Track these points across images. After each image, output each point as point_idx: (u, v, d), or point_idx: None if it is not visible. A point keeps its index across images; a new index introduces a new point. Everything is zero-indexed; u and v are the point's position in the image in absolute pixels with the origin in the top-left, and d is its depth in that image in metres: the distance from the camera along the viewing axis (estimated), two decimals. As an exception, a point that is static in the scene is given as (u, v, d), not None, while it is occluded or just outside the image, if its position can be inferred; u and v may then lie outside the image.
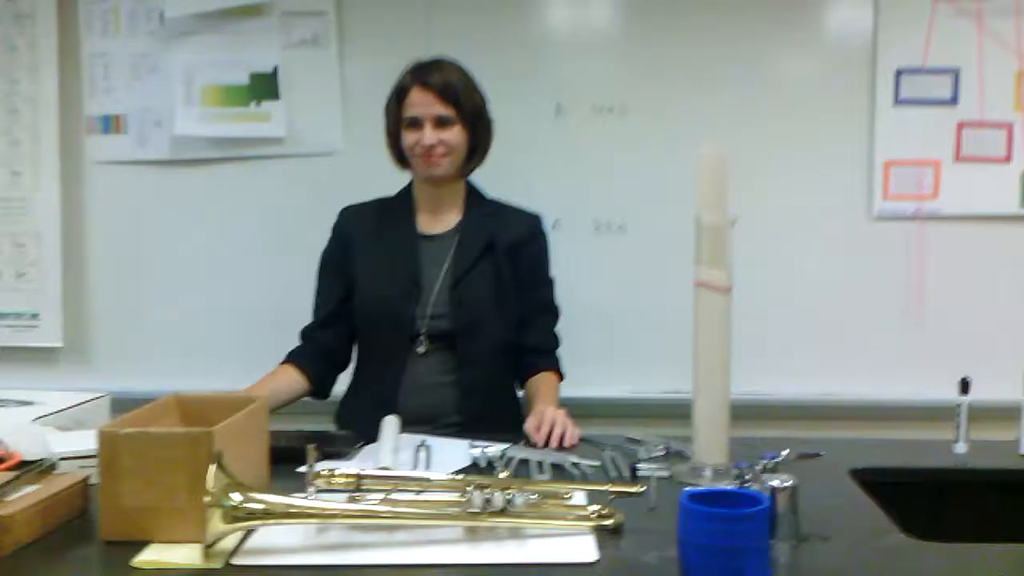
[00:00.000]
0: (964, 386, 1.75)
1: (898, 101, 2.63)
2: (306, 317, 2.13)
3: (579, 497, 1.40)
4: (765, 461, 1.35)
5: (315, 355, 2.08)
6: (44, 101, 2.70)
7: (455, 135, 2.00)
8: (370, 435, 1.75)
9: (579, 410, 1.90)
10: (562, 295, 2.18)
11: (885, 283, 2.63)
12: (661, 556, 1.21)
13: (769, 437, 1.73)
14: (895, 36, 2.61)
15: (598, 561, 1.20)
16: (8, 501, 1.28)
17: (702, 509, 1.14)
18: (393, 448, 1.64)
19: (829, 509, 1.38)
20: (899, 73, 2.62)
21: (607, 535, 1.29)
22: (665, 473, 1.54)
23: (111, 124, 2.71)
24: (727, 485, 1.40)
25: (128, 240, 2.72)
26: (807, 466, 1.43)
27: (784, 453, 1.39)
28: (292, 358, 2.07)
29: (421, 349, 2.01)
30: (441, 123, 1.98)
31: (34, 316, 2.73)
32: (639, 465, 1.58)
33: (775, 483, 1.27)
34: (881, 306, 2.63)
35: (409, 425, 1.83)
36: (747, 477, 1.32)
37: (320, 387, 2.08)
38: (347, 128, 2.66)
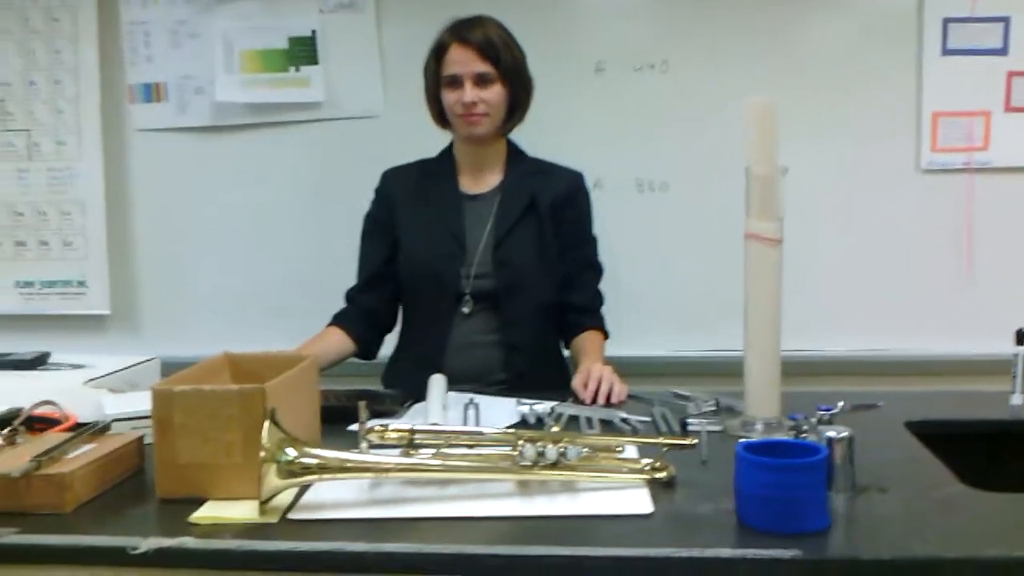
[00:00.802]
0: (1020, 337, 1.71)
1: (946, 51, 2.56)
2: (350, 280, 2.13)
3: (631, 451, 1.39)
4: (820, 413, 1.33)
5: (360, 317, 2.08)
6: (85, 71, 2.72)
7: (495, 93, 1.98)
8: (417, 394, 1.76)
9: (623, 369, 1.89)
10: (604, 255, 2.16)
11: (935, 236, 2.58)
12: (716, 508, 1.20)
13: (821, 392, 1.71)
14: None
15: (653, 513, 1.20)
16: (66, 460, 1.29)
17: (759, 459, 1.13)
18: (442, 406, 1.64)
19: (886, 461, 1.36)
20: (946, 22, 2.55)
21: (660, 488, 1.28)
22: (716, 427, 1.53)
23: (152, 92, 2.72)
24: (782, 437, 1.38)
25: (171, 207, 2.75)
26: (862, 418, 1.40)
27: (839, 405, 1.37)
28: (338, 320, 2.08)
29: (466, 309, 2.01)
30: (481, 80, 1.96)
31: (81, 283, 2.76)
32: (689, 420, 1.56)
33: (831, 434, 1.25)
34: (932, 259, 2.58)
35: (455, 384, 1.83)
36: (803, 428, 1.30)
37: (366, 348, 2.09)
38: (387, 91, 2.65)
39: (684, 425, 1.56)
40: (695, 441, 1.38)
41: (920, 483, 1.30)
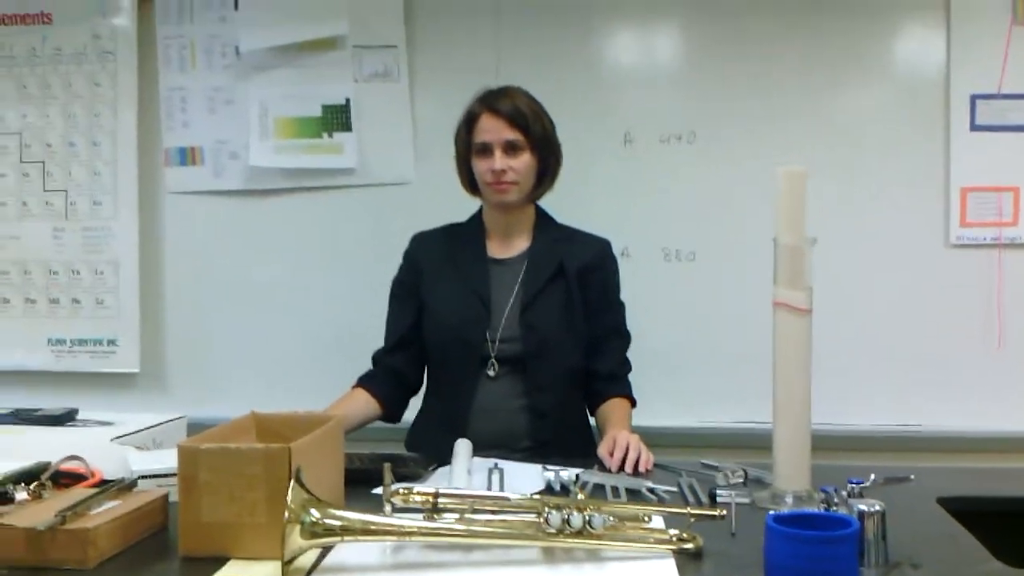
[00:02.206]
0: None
1: (974, 127, 2.58)
2: (378, 343, 2.14)
3: (658, 521, 1.37)
4: (851, 486, 1.31)
5: (386, 379, 2.08)
6: (123, 134, 2.79)
7: (524, 162, 2.00)
8: (441, 459, 1.74)
9: (649, 438, 1.87)
10: (631, 323, 2.16)
11: (964, 311, 2.57)
12: (745, 580, 1.18)
13: (851, 466, 1.68)
14: (969, 62, 2.57)
15: (680, 584, 1.18)
16: (91, 515, 1.29)
17: (791, 531, 1.11)
18: (467, 470, 1.63)
19: (919, 536, 1.33)
20: (974, 99, 2.58)
21: (688, 559, 1.26)
22: (745, 499, 1.50)
23: (187, 156, 2.78)
24: (813, 509, 1.36)
25: (203, 268, 2.78)
26: (893, 493, 1.38)
27: (871, 478, 1.35)
28: (364, 382, 2.08)
29: (491, 373, 2.01)
30: (511, 148, 1.99)
31: (112, 342, 2.79)
32: (718, 491, 1.54)
33: (863, 507, 1.23)
34: (961, 335, 2.57)
35: (480, 449, 1.82)
36: (834, 501, 1.28)
37: (391, 411, 2.08)
38: (418, 159, 2.69)
39: (712, 496, 1.54)
40: (723, 512, 1.36)
41: (955, 559, 1.27)
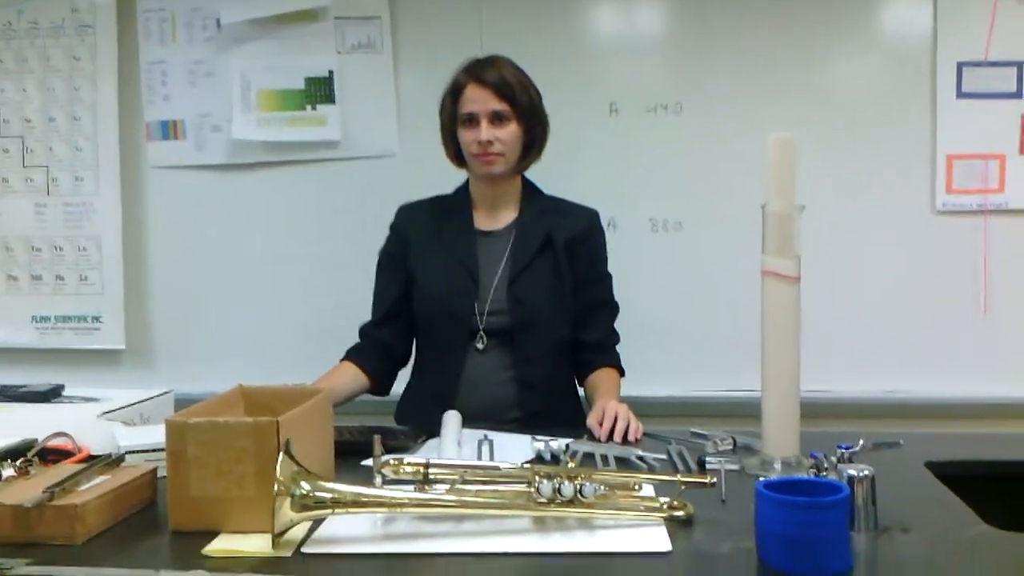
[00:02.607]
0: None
1: (960, 94, 2.58)
2: (364, 316, 2.13)
3: (648, 489, 1.37)
4: (841, 451, 1.32)
5: (374, 352, 2.08)
6: (104, 108, 2.76)
7: (510, 132, 1.98)
8: (430, 431, 1.74)
9: (638, 408, 1.87)
10: (619, 294, 2.15)
11: (951, 278, 2.58)
12: (736, 547, 1.18)
13: (839, 432, 1.69)
14: (955, 29, 2.56)
15: (672, 551, 1.18)
16: (79, 491, 1.29)
17: (781, 497, 1.11)
18: (456, 441, 1.63)
19: (908, 501, 1.34)
20: (961, 66, 2.57)
21: (679, 526, 1.26)
22: (734, 466, 1.51)
23: (169, 129, 2.75)
24: (802, 475, 1.36)
25: (187, 243, 2.77)
26: (882, 458, 1.39)
27: (860, 443, 1.35)
28: (351, 355, 2.07)
29: (480, 345, 2.00)
30: (497, 119, 1.97)
31: (96, 319, 2.77)
32: (707, 458, 1.55)
33: (852, 472, 1.24)
34: (947, 301, 2.58)
35: (469, 421, 1.81)
36: (823, 467, 1.28)
37: (379, 384, 2.08)
38: (402, 131, 2.68)
39: (701, 464, 1.54)
40: (713, 479, 1.36)
41: (943, 524, 1.28)
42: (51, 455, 1.51)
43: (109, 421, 1.68)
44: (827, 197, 2.50)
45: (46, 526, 1.22)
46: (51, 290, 2.80)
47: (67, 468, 1.39)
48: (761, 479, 1.17)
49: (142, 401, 1.80)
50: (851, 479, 1.23)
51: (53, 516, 1.22)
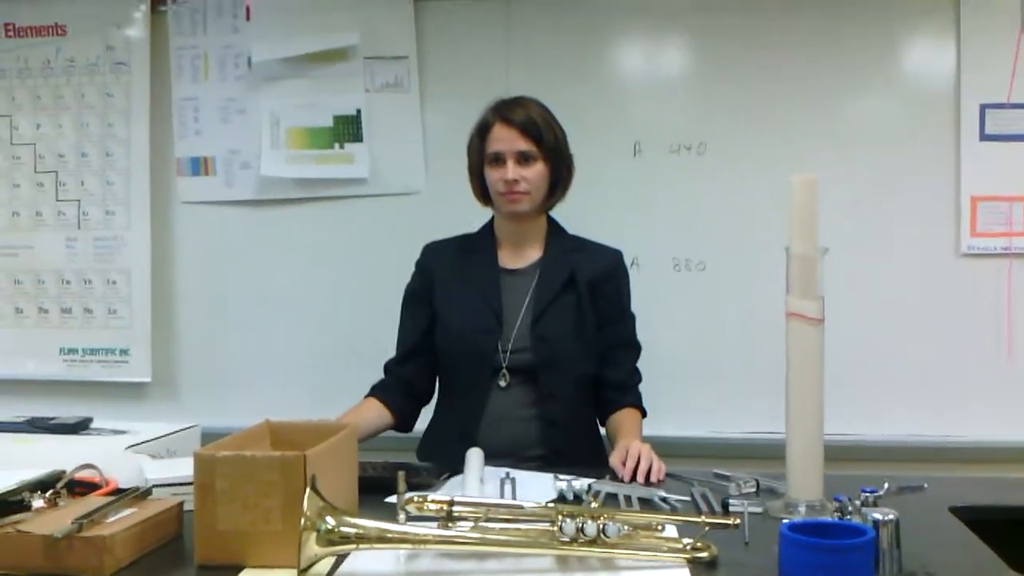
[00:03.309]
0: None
1: (984, 136, 2.58)
2: (389, 352, 2.14)
3: (671, 530, 1.37)
4: (865, 495, 1.31)
5: (398, 388, 2.09)
6: (136, 144, 2.81)
7: (536, 171, 2.01)
8: (453, 468, 1.75)
9: (661, 448, 1.87)
10: (642, 334, 2.16)
11: (975, 321, 2.57)
12: (759, 589, 1.18)
13: (863, 475, 1.68)
14: (978, 71, 2.58)
15: (694, 593, 1.18)
16: (107, 523, 1.30)
17: (806, 540, 1.11)
18: (479, 479, 1.63)
19: (932, 545, 1.33)
20: (984, 108, 2.58)
21: (702, 568, 1.26)
22: (758, 509, 1.50)
23: (200, 166, 2.80)
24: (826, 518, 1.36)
25: (215, 278, 2.80)
26: (906, 502, 1.38)
27: (885, 487, 1.35)
28: (376, 392, 2.09)
29: (503, 383, 2.01)
30: (523, 158, 2.00)
31: (124, 352, 2.81)
32: (730, 500, 1.54)
33: (877, 516, 1.23)
34: (971, 344, 2.57)
35: (491, 459, 1.82)
36: (848, 510, 1.28)
37: (403, 420, 2.09)
38: (429, 169, 2.71)
39: (725, 506, 1.53)
40: (737, 521, 1.36)
41: (968, 569, 1.27)
42: (79, 487, 1.52)
43: (136, 454, 1.69)
44: (851, 239, 2.51)
45: (75, 557, 1.23)
46: (80, 323, 2.84)
47: (95, 500, 1.41)
48: (785, 521, 1.17)
49: (169, 434, 1.82)
50: (876, 522, 1.22)
51: (82, 547, 1.23)
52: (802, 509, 1.47)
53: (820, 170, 2.49)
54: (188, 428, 1.88)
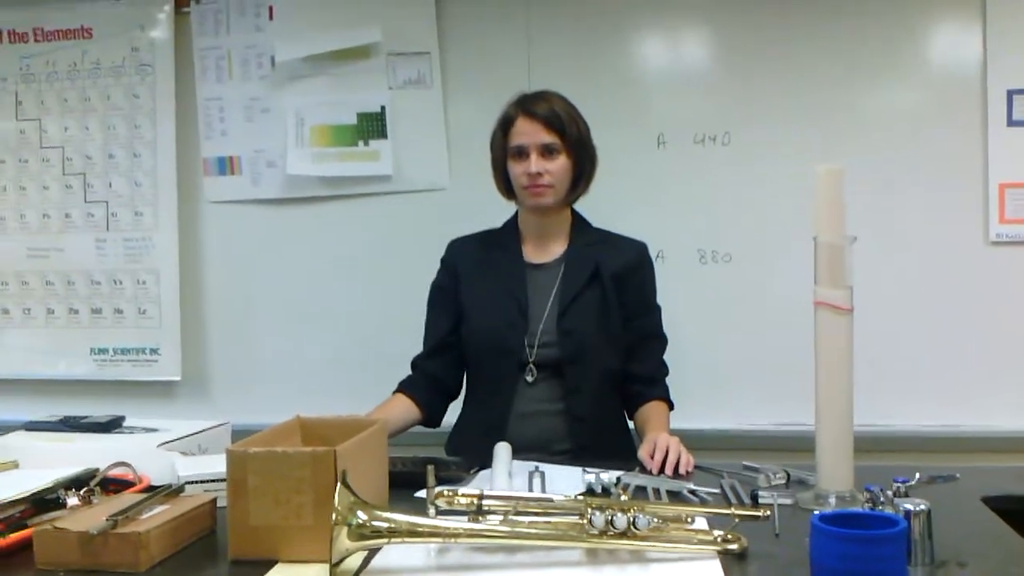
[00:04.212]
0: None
1: (1011, 122, 2.55)
2: (416, 348, 2.15)
3: (701, 522, 1.37)
4: (897, 485, 1.30)
5: (426, 384, 2.10)
6: (162, 145, 2.83)
7: (560, 165, 2.01)
8: (482, 462, 1.75)
9: (689, 441, 1.86)
10: (668, 326, 2.15)
11: (1005, 309, 2.54)
12: (791, 581, 1.18)
13: (893, 466, 1.67)
14: (1005, 56, 2.55)
15: (726, 585, 1.18)
16: (141, 520, 1.31)
17: (838, 531, 1.10)
18: (508, 473, 1.64)
19: (964, 535, 1.33)
20: (1011, 94, 2.55)
21: (733, 560, 1.26)
22: (788, 500, 1.50)
23: (226, 165, 2.82)
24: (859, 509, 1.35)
25: (243, 276, 2.82)
26: (938, 492, 1.37)
27: (916, 477, 1.34)
28: (403, 388, 2.10)
29: (530, 378, 2.02)
30: (547, 152, 2.00)
31: (154, 351, 2.83)
32: (760, 492, 1.54)
33: (909, 506, 1.22)
34: (1002, 332, 2.54)
35: (519, 453, 1.82)
36: (879, 500, 1.27)
37: (431, 415, 2.10)
38: (453, 164, 2.71)
39: (754, 497, 1.53)
40: (768, 512, 1.35)
41: (1001, 558, 1.26)
42: (112, 484, 1.55)
43: (168, 451, 1.71)
44: (878, 227, 2.49)
45: (110, 553, 1.25)
46: (110, 323, 2.87)
47: (129, 497, 1.43)
48: (816, 512, 1.17)
49: (200, 432, 1.83)
50: (908, 513, 1.22)
51: (117, 544, 1.25)
52: (833, 500, 1.46)
53: (845, 159, 2.47)
54: (219, 425, 1.89)
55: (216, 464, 1.46)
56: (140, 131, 2.84)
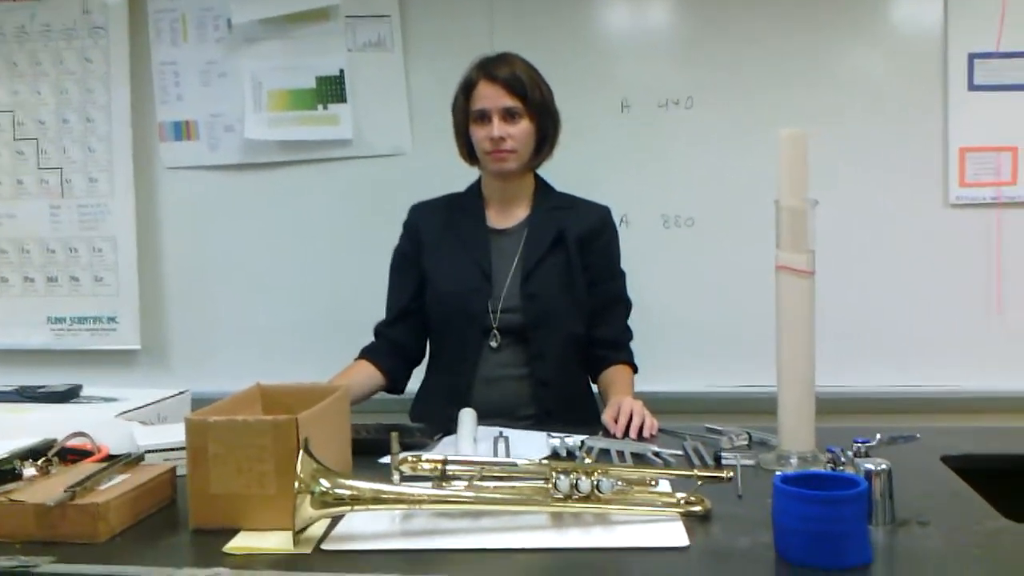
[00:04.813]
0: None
1: (972, 87, 2.56)
2: (379, 314, 2.14)
3: (664, 484, 1.38)
4: (857, 445, 1.32)
5: (389, 351, 2.09)
6: (117, 109, 2.77)
7: (522, 129, 1.99)
8: (446, 428, 1.75)
9: (653, 404, 1.87)
10: (632, 290, 2.15)
11: (964, 271, 2.57)
12: (754, 542, 1.19)
13: (853, 427, 1.69)
14: (966, 21, 2.55)
15: (689, 546, 1.18)
16: (100, 490, 1.30)
17: (800, 491, 1.11)
18: (472, 439, 1.63)
19: (924, 495, 1.35)
20: (972, 57, 2.56)
21: (696, 521, 1.27)
22: (750, 461, 1.51)
23: (182, 130, 2.76)
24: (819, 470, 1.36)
25: (201, 243, 2.78)
26: (898, 452, 1.39)
27: (876, 437, 1.35)
28: (366, 354, 2.08)
29: (493, 343, 2.01)
30: (509, 115, 1.98)
31: (112, 319, 2.79)
32: (723, 454, 1.55)
33: (870, 466, 1.24)
34: (961, 294, 2.57)
35: (483, 419, 1.81)
36: (840, 461, 1.28)
37: (394, 382, 2.09)
38: (414, 129, 2.68)
39: (717, 459, 1.54)
40: (730, 474, 1.36)
41: (961, 517, 1.28)
42: (70, 455, 1.52)
43: (127, 421, 1.68)
44: (840, 191, 2.50)
45: (68, 525, 1.23)
46: (66, 291, 2.81)
47: (87, 467, 1.41)
48: (779, 473, 1.18)
49: (159, 401, 1.81)
50: (868, 473, 1.23)
51: (75, 515, 1.23)
52: (794, 461, 1.48)
53: (808, 123, 2.46)
54: (178, 394, 1.87)
55: (176, 433, 1.43)
56: (94, 95, 2.77)
